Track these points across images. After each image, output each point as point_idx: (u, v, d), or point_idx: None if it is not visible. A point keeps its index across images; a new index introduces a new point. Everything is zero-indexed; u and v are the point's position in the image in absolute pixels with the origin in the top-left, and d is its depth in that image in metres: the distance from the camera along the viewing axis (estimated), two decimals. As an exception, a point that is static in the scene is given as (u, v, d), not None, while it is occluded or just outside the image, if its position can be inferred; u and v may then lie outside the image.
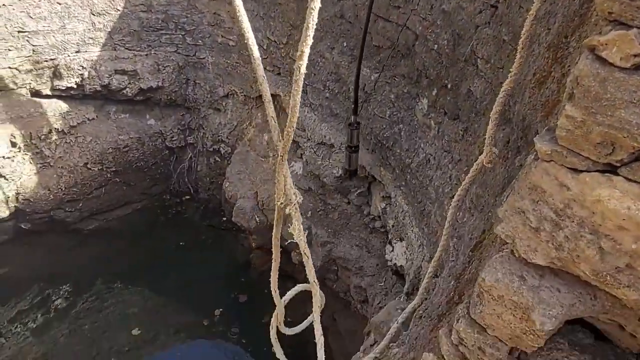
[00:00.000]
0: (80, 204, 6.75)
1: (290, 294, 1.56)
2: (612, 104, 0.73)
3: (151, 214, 7.57)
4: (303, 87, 4.44)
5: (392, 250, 4.42)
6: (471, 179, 1.53)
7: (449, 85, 3.65)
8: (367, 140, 4.86)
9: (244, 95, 6.92)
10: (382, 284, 4.68)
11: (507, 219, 0.96)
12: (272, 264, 1.33)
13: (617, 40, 0.70)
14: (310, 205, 5.64)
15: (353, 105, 4.43)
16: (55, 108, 6.31)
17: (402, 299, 3.83)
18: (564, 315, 0.96)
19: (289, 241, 1.24)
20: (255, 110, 6.86)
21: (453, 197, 3.42)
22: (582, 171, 0.81)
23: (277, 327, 1.52)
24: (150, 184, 7.52)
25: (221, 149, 7.37)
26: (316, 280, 1.31)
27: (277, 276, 1.34)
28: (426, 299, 2.98)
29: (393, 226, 4.50)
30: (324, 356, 1.36)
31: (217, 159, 7.52)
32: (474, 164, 1.50)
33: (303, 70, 0.90)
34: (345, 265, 5.12)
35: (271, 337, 1.54)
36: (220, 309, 6.03)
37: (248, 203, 5.92)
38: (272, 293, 1.41)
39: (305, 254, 1.20)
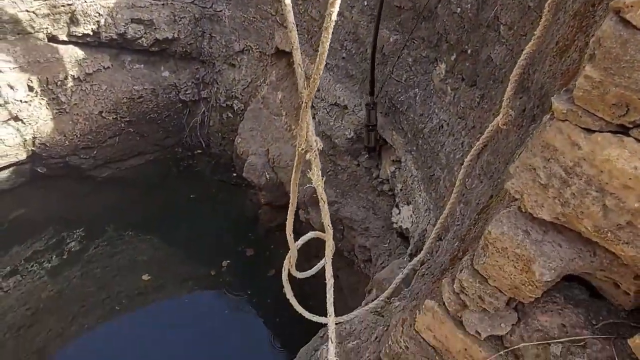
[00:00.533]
0: (95, 152, 6.88)
1: (303, 238, 1.64)
2: (630, 66, 0.76)
3: (163, 165, 7.70)
4: (318, 47, 4.38)
5: (399, 213, 4.51)
6: (485, 140, 1.56)
7: (468, 51, 3.59)
8: (382, 103, 4.84)
9: (260, 52, 6.85)
10: (386, 245, 4.79)
11: (518, 175, 1.00)
12: (289, 207, 1.40)
13: (644, 2, 0.72)
14: (320, 166, 5.70)
15: (369, 87, 4.49)
16: (71, 54, 6.31)
17: (405, 259, 3.95)
18: (563, 269, 1.02)
19: (307, 185, 1.30)
20: (270, 68, 6.81)
21: (463, 163, 3.46)
22: (594, 131, 0.85)
23: (288, 269, 1.61)
24: (163, 136, 7.61)
25: (234, 105, 7.37)
26: (330, 225, 1.38)
27: (292, 220, 1.41)
28: (428, 259, 3.08)
29: (401, 190, 4.57)
30: (332, 296, 1.45)
31: (230, 114, 7.54)
32: (490, 125, 1.53)
33: (334, 17, 0.92)
34: (351, 225, 5.23)
35: (283, 278, 1.64)
36: (228, 261, 6.24)
37: (259, 160, 5.99)
38: (287, 236, 1.49)
39: (322, 198, 1.27)
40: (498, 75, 3.17)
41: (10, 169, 6.37)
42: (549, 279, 1.03)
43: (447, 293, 1.26)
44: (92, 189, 7.28)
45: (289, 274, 1.65)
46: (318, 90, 5.63)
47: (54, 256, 6.99)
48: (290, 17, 0.99)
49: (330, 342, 1.41)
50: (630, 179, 0.82)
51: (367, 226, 5.07)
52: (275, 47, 6.38)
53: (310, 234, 1.61)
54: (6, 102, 5.77)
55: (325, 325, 4.79)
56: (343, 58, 5.29)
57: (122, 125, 6.98)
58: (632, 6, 0.73)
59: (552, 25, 2.48)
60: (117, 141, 7.05)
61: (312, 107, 5.82)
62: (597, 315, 1.14)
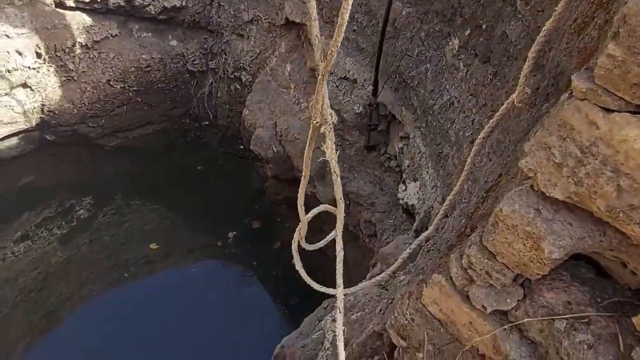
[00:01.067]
0: (103, 121, 6.89)
1: (314, 211, 1.66)
2: None
3: (170, 136, 7.71)
4: (330, 18, 4.34)
5: (405, 190, 4.52)
6: (498, 118, 1.55)
7: (483, 26, 3.52)
8: (392, 78, 4.78)
9: (269, 22, 6.73)
10: (392, 220, 4.83)
11: (532, 153, 1.00)
12: (302, 180, 1.41)
13: (674, -21, 0.70)
14: (334, 139, 5.68)
15: (373, 87, 4.45)
16: (79, 21, 6.24)
17: (410, 235, 3.98)
18: (572, 247, 1.03)
19: (320, 159, 1.31)
20: (279, 39, 6.71)
21: (474, 140, 3.44)
22: (613, 111, 0.85)
23: (298, 241, 1.64)
24: (171, 106, 7.59)
25: (242, 76, 7.31)
26: (342, 199, 1.39)
27: (304, 192, 1.43)
28: (434, 235, 3.11)
29: (408, 166, 4.56)
30: (342, 268, 1.48)
31: (238, 86, 7.48)
32: (505, 103, 1.51)
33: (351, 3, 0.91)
34: (357, 200, 5.26)
35: (292, 250, 1.67)
36: (234, 232, 6.32)
37: (267, 133, 5.98)
38: (299, 208, 1.51)
39: (335, 172, 1.28)
40: (512, 52, 3.11)
41: (20, 136, 6.41)
42: (558, 257, 1.04)
43: (455, 268, 1.28)
44: (100, 158, 7.33)
45: (299, 246, 1.67)
46: (327, 63, 5.55)
47: (64, 223, 7.10)
48: (310, -13, 0.98)
49: (338, 312, 1.45)
50: (646, 160, 0.82)
51: (373, 201, 5.10)
52: (285, 18, 6.26)
53: (321, 207, 1.63)
54: (15, 69, 5.76)
55: (329, 296, 4.89)
56: (354, 30, 5.20)
57: (130, 94, 6.96)
58: (661, -17, 0.71)
59: (570, 4, 2.42)
60: (124, 110, 7.04)
61: (321, 80, 5.75)
62: (603, 294, 1.16)
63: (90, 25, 6.31)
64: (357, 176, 5.29)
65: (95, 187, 7.16)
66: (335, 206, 1.45)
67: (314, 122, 1.12)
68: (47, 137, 6.67)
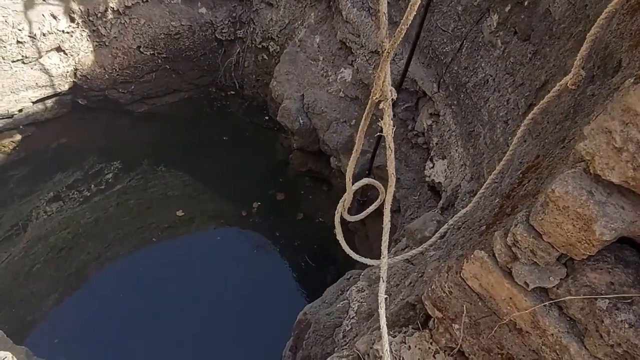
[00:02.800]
0: (133, 87, 6.99)
1: (359, 184, 1.71)
2: None
3: (197, 104, 7.79)
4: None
5: (432, 167, 4.53)
6: (550, 99, 1.55)
7: (525, 2, 3.42)
8: (424, 53, 4.71)
9: (299, -8, 6.63)
10: (417, 197, 4.86)
11: (592, 137, 1.02)
12: (353, 154, 1.45)
13: None
14: (355, 114, 5.68)
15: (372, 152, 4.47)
16: (110, -15, 6.25)
17: (437, 212, 4.02)
18: (623, 230, 1.06)
19: (378, 134, 1.35)
20: (309, 10, 6.62)
21: (508, 121, 3.41)
22: None
23: (341, 212, 1.70)
24: (198, 74, 7.63)
25: (270, 47, 7.27)
26: (394, 173, 1.44)
27: (354, 165, 1.47)
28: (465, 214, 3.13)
29: (437, 144, 4.55)
30: (387, 240, 1.54)
31: (265, 57, 7.45)
32: (557, 85, 1.51)
33: None
34: (382, 175, 5.29)
35: (335, 221, 1.73)
36: (258, 203, 6.45)
37: (294, 105, 6.00)
38: (347, 180, 1.56)
39: (390, 147, 1.32)
40: (555, 31, 3.03)
41: (54, 99, 6.57)
42: (609, 239, 1.07)
43: (499, 245, 1.32)
44: (129, 123, 7.47)
45: (341, 218, 1.73)
46: (358, 36, 5.49)
47: (92, 185, 7.33)
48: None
49: (381, 281, 1.51)
50: None
51: (398, 177, 5.12)
52: (316, -12, 6.16)
53: (365, 180, 1.67)
54: (49, 32, 5.85)
55: (350, 268, 4.98)
56: (388, 3, 5.09)
57: (159, 61, 7.01)
58: None
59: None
60: (153, 77, 7.12)
61: (351, 53, 5.70)
62: (646, 277, 1.20)
63: (122, -10, 6.32)
64: (382, 151, 5.30)
65: (123, 152, 7.34)
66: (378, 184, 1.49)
67: (374, 97, 1.16)
68: (80, 102, 6.82)
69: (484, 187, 1.79)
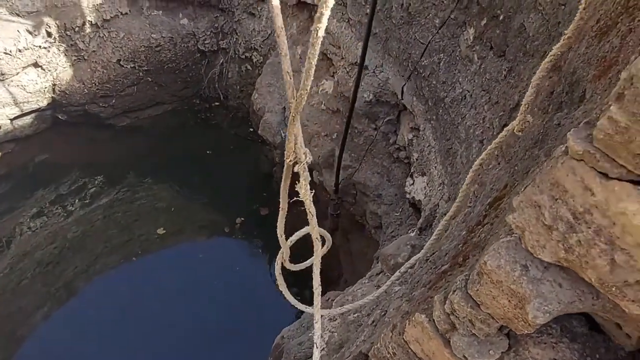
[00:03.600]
0: (114, 100, 6.87)
1: (298, 234, 1.59)
2: None
3: (181, 116, 7.67)
4: (342, 0, 4.13)
5: (413, 184, 4.40)
6: (497, 145, 1.43)
7: (500, 17, 3.30)
8: (403, 66, 4.59)
9: (281, 2, 6.51)
10: (398, 214, 4.73)
11: (521, 210, 0.90)
12: (280, 212, 1.33)
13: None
14: (337, 127, 5.56)
15: (334, 184, 4.39)
16: (88, -1, 6.14)
17: (414, 233, 3.89)
18: (560, 312, 0.94)
19: (294, 198, 1.22)
20: (291, 19, 6.50)
21: (483, 140, 3.29)
22: (612, 178, 0.73)
23: (282, 263, 1.57)
24: (182, 86, 7.51)
25: (253, 57, 7.16)
26: (319, 237, 1.31)
27: (283, 223, 1.35)
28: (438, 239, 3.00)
29: (417, 159, 4.43)
30: (319, 304, 1.42)
31: (249, 67, 7.34)
32: (504, 129, 1.39)
33: (321, 33, 0.81)
34: (364, 191, 5.17)
35: (275, 272, 1.60)
36: (242, 218, 6.32)
37: (275, 118, 5.88)
38: (278, 237, 1.43)
39: (310, 212, 1.19)
40: (529, 49, 2.91)
41: (33, 115, 6.45)
42: (543, 322, 0.95)
43: (438, 311, 1.20)
44: (112, 137, 7.36)
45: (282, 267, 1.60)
46: (339, 47, 5.37)
47: (77, 200, 7.22)
48: (279, 21, 0.88)
49: (315, 347, 1.38)
50: (645, 238, 0.71)
51: (380, 193, 5.00)
52: (297, -2, 6.05)
53: (305, 230, 1.55)
54: (26, 48, 5.73)
55: (334, 288, 4.86)
56: (366, 14, 4.97)
57: (141, 74, 6.90)
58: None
59: (589, 20, 2.22)
60: (135, 90, 7.01)
61: (332, 65, 5.58)
62: (594, 352, 1.07)
63: (100, 3, 6.21)
64: (364, 166, 5.18)
65: (106, 166, 7.23)
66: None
67: (288, 160, 1.03)
68: (60, 117, 6.70)
69: (441, 225, 1.66)
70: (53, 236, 7.16)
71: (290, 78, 0.93)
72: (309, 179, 1.06)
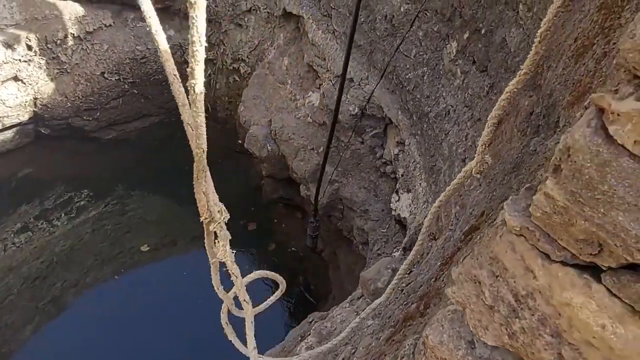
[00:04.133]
0: (98, 114, 6.74)
1: (251, 277, 1.45)
2: (609, 200, 0.49)
3: (168, 128, 7.53)
4: (327, 11, 3.98)
5: (398, 200, 4.27)
6: (454, 188, 1.30)
7: (482, 30, 3.18)
8: (389, 79, 4.48)
9: (267, 12, 6.42)
10: (385, 230, 4.60)
11: (461, 284, 0.77)
12: (212, 268, 1.19)
13: (637, 116, 0.44)
14: (324, 141, 5.43)
15: (313, 207, 4.41)
16: (70, 11, 6.03)
17: (399, 253, 3.76)
18: (510, 398, 0.81)
19: (213, 259, 1.09)
20: (278, 30, 6.40)
21: (465, 159, 3.16)
22: (555, 261, 0.61)
23: (227, 312, 1.44)
24: (168, 98, 7.37)
25: (241, 68, 7.04)
26: (248, 299, 1.18)
27: (217, 277, 1.21)
28: (411, 271, 2.87)
29: (402, 175, 4.30)
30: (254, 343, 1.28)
31: (237, 78, 7.23)
32: (462, 170, 1.26)
33: (198, 89, 0.69)
34: (351, 206, 5.04)
35: (222, 321, 1.47)
36: (229, 238, 6.18)
37: (261, 131, 5.75)
38: (215, 289, 1.29)
39: (233, 273, 1.06)
40: (510, 64, 2.79)
41: (15, 129, 6.32)
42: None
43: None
44: (97, 150, 7.22)
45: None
46: (324, 59, 5.26)
47: (63, 214, 7.08)
48: (170, 67, 0.75)
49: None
50: (594, 337, 0.58)
51: (367, 208, 4.87)
52: (283, 9, 5.94)
53: (260, 273, 1.41)
54: (5, 62, 5.61)
55: (317, 309, 4.71)
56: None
57: (126, 86, 6.77)
58: (619, 115, 0.46)
59: (572, 17, 2.10)
60: (120, 103, 6.88)
61: (318, 77, 5.46)
62: None
63: (83, 16, 6.09)
64: (351, 181, 5.05)
65: (93, 180, 7.10)
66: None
67: (203, 218, 0.91)
68: (42, 131, 6.57)
69: (394, 280, 1.53)
70: (39, 251, 7.02)
71: (193, 130, 0.80)
72: (229, 237, 0.93)
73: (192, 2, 0.61)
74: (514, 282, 0.67)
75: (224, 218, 0.92)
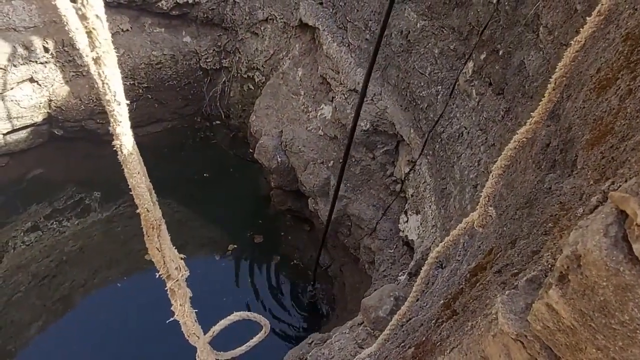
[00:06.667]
0: (111, 117, 6.77)
1: (222, 323, 1.34)
2: (630, 335, 0.37)
3: (181, 134, 7.54)
4: (343, 24, 3.89)
5: (407, 222, 4.12)
6: (454, 238, 1.17)
7: (500, 52, 3.04)
8: (402, 95, 4.35)
9: (284, 22, 6.36)
10: (392, 251, 4.45)
11: (447, 378, 0.65)
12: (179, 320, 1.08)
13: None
14: (334, 155, 5.32)
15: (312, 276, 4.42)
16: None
17: (404, 277, 3.61)
18: None
19: (172, 318, 0.98)
20: (294, 41, 6.34)
21: (476, 186, 3.00)
22: None
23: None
24: (183, 103, 7.39)
25: (255, 76, 7.00)
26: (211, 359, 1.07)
27: (186, 328, 1.10)
28: (424, 290, 2.74)
29: (412, 195, 4.15)
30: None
31: (251, 86, 7.19)
32: (464, 220, 1.13)
33: (126, 150, 0.59)
34: (359, 223, 4.90)
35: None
36: (235, 245, 6.09)
37: (271, 142, 5.67)
38: (186, 337, 1.18)
39: (195, 334, 0.95)
40: (528, 89, 2.65)
41: (28, 129, 6.37)
42: None
43: None
44: (109, 153, 7.17)
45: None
46: (338, 72, 5.16)
47: (73, 215, 7.11)
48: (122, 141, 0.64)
49: None
50: None
51: (375, 227, 4.73)
52: (299, 19, 5.88)
53: (225, 321, 1.30)
54: (21, 64, 5.67)
55: (317, 329, 4.58)
56: (366, 40, 4.76)
57: (140, 91, 6.79)
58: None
59: (595, 46, 1.96)
60: (134, 107, 6.89)
61: (331, 89, 5.37)
62: None
63: (101, 20, 6.13)
64: (360, 197, 4.92)
65: (103, 183, 7.11)
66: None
67: (161, 273, 0.80)
68: (56, 132, 6.62)
69: (390, 326, 1.40)
70: (49, 250, 7.06)
71: (131, 190, 0.70)
72: (189, 295, 0.82)
73: (95, 57, 0.51)
74: (508, 391, 0.55)
75: (182, 275, 0.81)
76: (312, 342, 3.93)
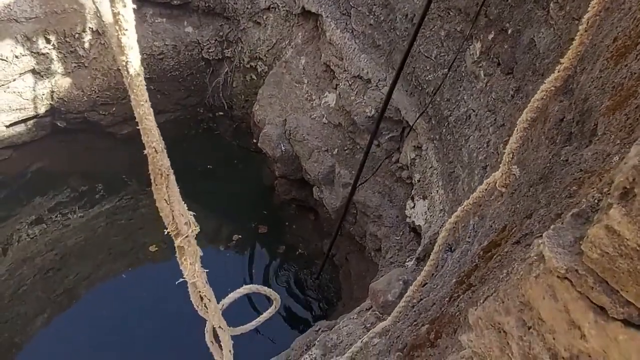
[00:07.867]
0: (114, 108, 6.73)
1: (230, 297, 1.30)
2: None
3: (184, 125, 7.49)
4: (347, 10, 3.82)
5: (413, 207, 4.08)
6: (475, 202, 1.13)
7: (509, 31, 2.98)
8: (407, 80, 4.29)
9: (286, 11, 6.30)
10: (398, 237, 4.41)
11: (480, 331, 0.60)
12: (189, 285, 1.04)
13: None
14: (338, 142, 5.27)
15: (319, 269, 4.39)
16: (89, 6, 6.01)
17: (412, 262, 3.57)
18: None
19: (179, 280, 0.94)
20: (296, 29, 6.27)
21: (486, 167, 2.96)
22: (615, 319, 0.44)
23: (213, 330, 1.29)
24: (185, 94, 7.34)
25: (258, 66, 6.94)
26: (225, 326, 1.03)
27: (196, 296, 1.06)
28: (433, 274, 2.69)
29: (419, 181, 4.11)
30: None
31: (254, 76, 7.13)
32: (484, 182, 1.09)
33: (133, 70, 0.54)
34: (364, 211, 4.86)
35: (206, 340, 1.32)
36: (239, 236, 6.06)
37: (275, 130, 5.63)
38: (195, 308, 1.14)
39: (205, 296, 0.91)
40: (539, 67, 2.59)
41: (31, 121, 6.34)
42: None
43: None
44: (112, 145, 7.21)
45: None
46: (342, 59, 5.10)
47: (77, 208, 7.09)
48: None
49: None
50: None
51: (381, 214, 4.68)
52: (302, 7, 5.81)
53: (235, 294, 1.26)
54: (23, 55, 5.62)
55: (323, 317, 4.54)
56: (370, 25, 4.70)
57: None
58: None
59: (611, 16, 1.90)
60: (136, 99, 6.84)
61: (335, 77, 5.31)
62: None
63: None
64: (365, 184, 4.87)
65: (107, 175, 7.09)
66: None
67: (169, 231, 0.76)
68: (58, 124, 6.58)
69: (397, 308, 1.36)
70: (53, 243, 7.05)
71: (139, 125, 0.66)
72: (200, 254, 0.78)
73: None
74: (553, 338, 0.50)
75: (192, 231, 0.77)
76: (319, 329, 3.90)
